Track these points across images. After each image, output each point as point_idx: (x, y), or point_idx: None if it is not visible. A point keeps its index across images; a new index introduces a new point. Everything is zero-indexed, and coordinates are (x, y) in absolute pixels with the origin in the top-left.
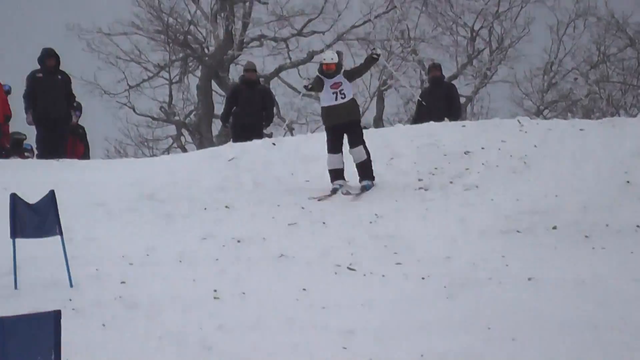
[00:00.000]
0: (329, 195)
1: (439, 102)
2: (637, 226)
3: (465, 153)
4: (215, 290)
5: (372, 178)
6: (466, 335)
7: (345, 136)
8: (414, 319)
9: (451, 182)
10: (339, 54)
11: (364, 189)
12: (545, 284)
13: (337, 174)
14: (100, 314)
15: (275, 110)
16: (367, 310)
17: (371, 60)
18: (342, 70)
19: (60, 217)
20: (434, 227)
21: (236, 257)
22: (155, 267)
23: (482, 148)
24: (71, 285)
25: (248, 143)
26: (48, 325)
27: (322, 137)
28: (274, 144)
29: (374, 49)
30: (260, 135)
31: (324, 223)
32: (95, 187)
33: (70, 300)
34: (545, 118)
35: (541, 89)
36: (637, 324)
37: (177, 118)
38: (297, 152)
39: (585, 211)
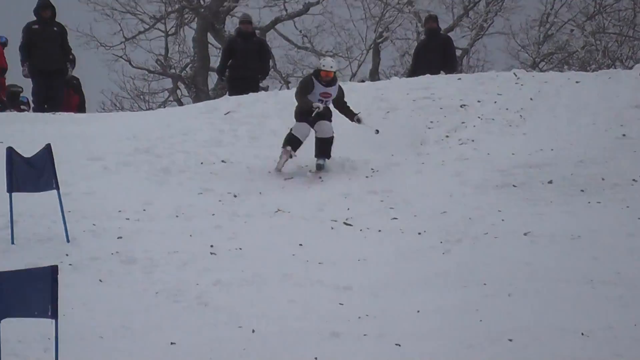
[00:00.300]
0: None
1: (435, 55)
2: (633, 180)
3: (461, 106)
4: (211, 246)
5: (329, 156)
6: (462, 290)
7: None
8: (410, 274)
9: (447, 136)
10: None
11: (319, 167)
12: (541, 239)
13: (295, 143)
14: (97, 269)
15: (271, 62)
16: (363, 266)
17: (350, 118)
18: (337, 83)
19: (56, 171)
20: (430, 181)
21: (233, 212)
22: (152, 222)
23: (478, 101)
24: (68, 240)
25: (244, 96)
26: (45, 281)
27: None
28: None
29: (358, 117)
30: (256, 88)
31: (320, 178)
32: (91, 141)
33: (67, 255)
34: (541, 70)
35: (537, 40)
36: (632, 279)
37: (173, 71)
38: (294, 105)
39: (581, 165)
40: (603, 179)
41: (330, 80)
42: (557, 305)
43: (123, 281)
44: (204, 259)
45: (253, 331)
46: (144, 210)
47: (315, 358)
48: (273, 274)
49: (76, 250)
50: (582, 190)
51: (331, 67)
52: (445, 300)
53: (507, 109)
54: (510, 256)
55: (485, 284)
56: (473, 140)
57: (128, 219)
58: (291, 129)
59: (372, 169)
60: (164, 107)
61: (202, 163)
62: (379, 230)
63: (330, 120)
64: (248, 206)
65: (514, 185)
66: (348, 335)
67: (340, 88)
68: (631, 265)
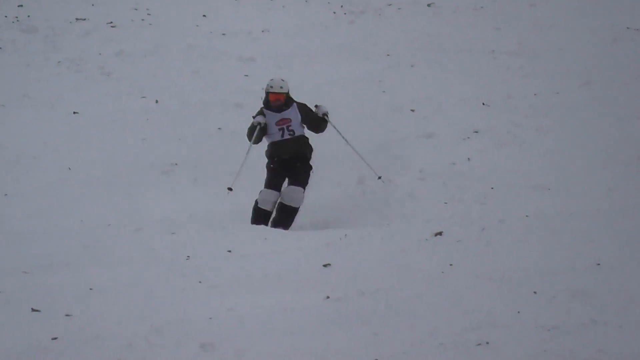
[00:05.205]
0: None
1: None
2: None
3: None
4: (108, 17)
5: (287, 228)
6: (365, 62)
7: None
8: (314, 45)
9: None
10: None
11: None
12: (444, 10)
13: (261, 217)
14: None
15: None
16: (267, 37)
17: (322, 122)
18: (294, 103)
19: None
20: None
21: None
22: None
23: None
24: None
25: None
26: None
27: None
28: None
29: (325, 114)
30: None
31: None
32: None
33: None
34: None
35: None
36: (533, 49)
37: None
38: None
39: None
40: None
41: (281, 105)
42: (459, 76)
43: (24, 50)
44: (106, 29)
45: (157, 102)
46: None
47: (219, 128)
48: (176, 45)
49: None
50: None
51: (281, 87)
52: (349, 71)
53: None
54: (413, 28)
55: (388, 55)
56: None
57: None
58: (257, 198)
59: None
60: None
61: None
62: (283, 6)
63: (308, 174)
64: None
65: None
66: (249, 107)
67: (302, 106)
68: (532, 36)
